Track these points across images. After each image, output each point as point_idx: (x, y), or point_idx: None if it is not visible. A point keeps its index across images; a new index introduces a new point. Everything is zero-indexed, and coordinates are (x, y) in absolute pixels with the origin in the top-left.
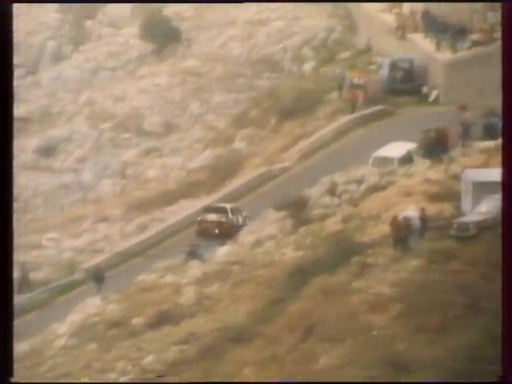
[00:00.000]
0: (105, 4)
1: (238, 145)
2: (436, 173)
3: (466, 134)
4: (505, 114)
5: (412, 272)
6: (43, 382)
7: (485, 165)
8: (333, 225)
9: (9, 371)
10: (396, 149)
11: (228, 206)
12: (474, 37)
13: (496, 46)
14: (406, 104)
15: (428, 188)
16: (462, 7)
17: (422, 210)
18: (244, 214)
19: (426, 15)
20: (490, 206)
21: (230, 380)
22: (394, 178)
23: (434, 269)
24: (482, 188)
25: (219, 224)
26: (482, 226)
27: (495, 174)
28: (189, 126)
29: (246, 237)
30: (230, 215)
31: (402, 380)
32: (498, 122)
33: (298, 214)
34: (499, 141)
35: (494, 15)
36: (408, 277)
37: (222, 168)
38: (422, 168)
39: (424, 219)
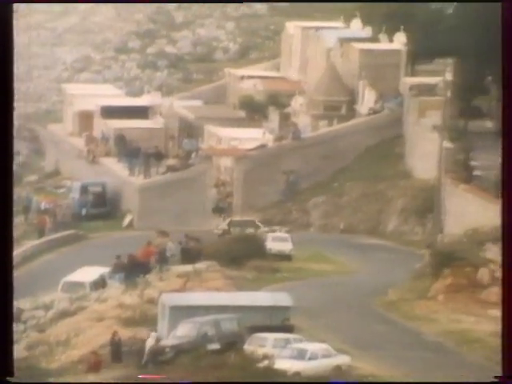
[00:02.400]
0: None
1: None
2: (130, 297)
3: (162, 258)
4: (505, 113)
5: None
6: (43, 382)
7: (182, 289)
8: (17, 352)
9: (9, 371)
10: (88, 273)
11: None
12: (170, 162)
13: (191, 172)
14: (98, 228)
15: (121, 312)
16: (157, 134)
17: (114, 334)
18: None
19: (118, 140)
20: (186, 330)
21: None
22: (85, 302)
23: None
24: (178, 312)
25: None
26: (179, 350)
27: (192, 297)
28: None
29: None
30: None
31: None
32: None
33: None
34: (196, 265)
35: (189, 142)
36: None
37: None
38: (116, 292)
39: (117, 344)
